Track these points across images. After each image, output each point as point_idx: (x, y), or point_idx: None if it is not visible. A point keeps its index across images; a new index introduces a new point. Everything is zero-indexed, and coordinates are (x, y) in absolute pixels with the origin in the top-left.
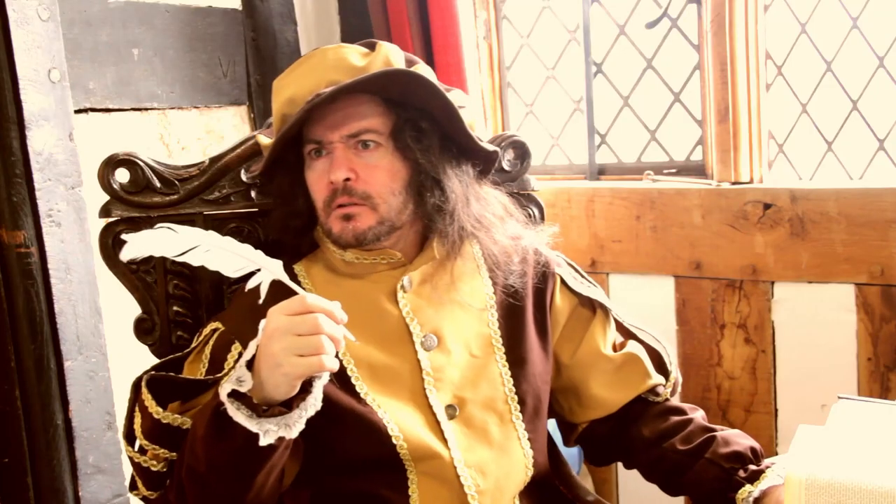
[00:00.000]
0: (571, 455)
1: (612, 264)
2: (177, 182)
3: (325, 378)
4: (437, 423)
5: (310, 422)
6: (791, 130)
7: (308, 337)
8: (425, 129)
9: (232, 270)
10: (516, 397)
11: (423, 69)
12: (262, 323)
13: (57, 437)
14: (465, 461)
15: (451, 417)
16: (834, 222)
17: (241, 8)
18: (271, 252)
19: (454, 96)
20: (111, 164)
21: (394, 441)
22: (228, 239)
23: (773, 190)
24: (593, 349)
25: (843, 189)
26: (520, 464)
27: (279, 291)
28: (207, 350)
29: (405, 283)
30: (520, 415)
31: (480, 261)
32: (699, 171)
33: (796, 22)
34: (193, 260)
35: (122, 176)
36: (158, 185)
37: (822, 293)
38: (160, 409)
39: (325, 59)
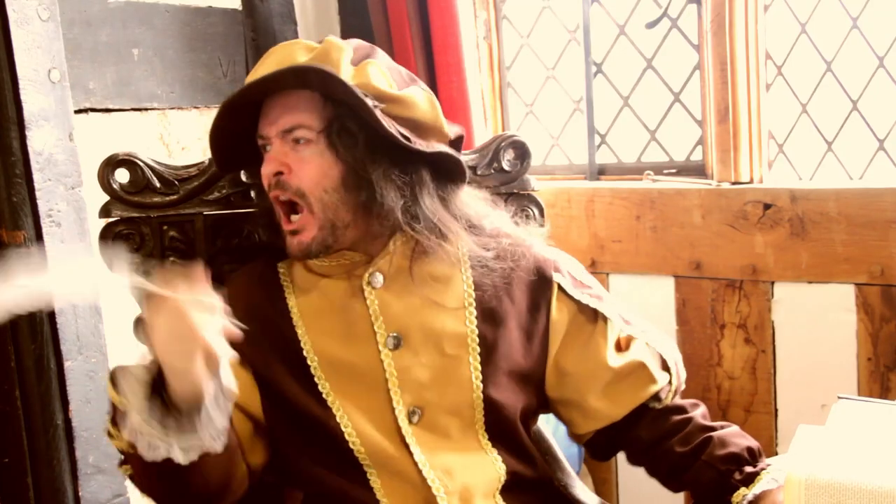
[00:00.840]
0: (571, 455)
1: (612, 264)
2: (177, 182)
3: (226, 374)
4: (399, 426)
5: (275, 422)
6: (791, 130)
7: (191, 338)
8: (350, 127)
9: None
10: (482, 404)
11: (371, 69)
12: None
13: (57, 437)
14: (430, 464)
15: (413, 420)
16: (834, 222)
17: (241, 8)
18: (263, 251)
19: (411, 92)
20: (111, 164)
21: (350, 446)
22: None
23: (773, 190)
24: (594, 359)
25: (843, 189)
26: (488, 466)
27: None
28: None
29: (372, 281)
30: (482, 419)
31: (464, 258)
32: (699, 171)
33: (796, 22)
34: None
35: (122, 176)
36: (158, 185)
37: (822, 293)
38: (116, 394)
39: (278, 55)
